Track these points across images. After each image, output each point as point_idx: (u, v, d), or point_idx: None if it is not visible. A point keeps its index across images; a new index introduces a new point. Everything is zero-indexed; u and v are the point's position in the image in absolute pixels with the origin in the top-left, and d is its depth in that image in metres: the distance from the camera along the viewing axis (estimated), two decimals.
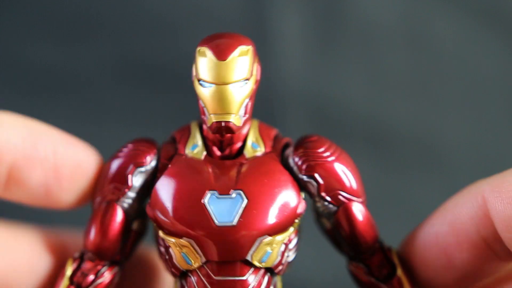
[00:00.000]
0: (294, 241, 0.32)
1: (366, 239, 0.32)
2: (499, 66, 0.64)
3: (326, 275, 0.58)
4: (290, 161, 0.32)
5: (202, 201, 0.30)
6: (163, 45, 0.63)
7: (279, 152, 0.33)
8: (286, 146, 0.33)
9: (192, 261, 0.31)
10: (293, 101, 0.61)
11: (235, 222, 0.30)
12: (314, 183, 0.32)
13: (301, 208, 0.31)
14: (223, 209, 0.30)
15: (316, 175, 0.32)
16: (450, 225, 0.31)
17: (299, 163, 0.32)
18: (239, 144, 0.32)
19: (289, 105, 0.61)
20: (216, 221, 0.30)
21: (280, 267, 0.32)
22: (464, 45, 0.64)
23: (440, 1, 0.63)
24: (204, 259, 0.30)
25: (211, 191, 0.30)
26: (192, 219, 0.30)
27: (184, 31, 0.61)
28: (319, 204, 0.32)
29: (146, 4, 0.63)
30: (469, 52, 0.64)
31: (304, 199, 0.32)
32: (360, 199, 0.32)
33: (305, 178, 0.32)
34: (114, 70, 0.63)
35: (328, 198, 0.32)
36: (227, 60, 0.29)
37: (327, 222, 0.33)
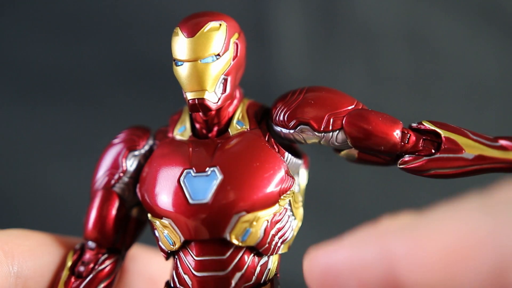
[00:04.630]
0: (286, 220, 0.31)
1: (387, 134, 0.29)
2: (498, 65, 0.64)
3: None
4: (277, 129, 0.31)
5: (178, 180, 0.30)
6: (162, 45, 0.63)
7: (265, 128, 0.32)
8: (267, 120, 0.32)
9: (173, 241, 0.30)
10: None
11: (208, 199, 0.29)
12: (305, 126, 0.30)
13: (286, 184, 0.30)
14: (198, 187, 0.30)
15: (299, 118, 0.30)
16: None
17: (281, 121, 0.31)
18: (225, 123, 0.32)
19: None
20: (190, 199, 0.29)
21: (265, 246, 0.30)
22: (463, 44, 0.64)
23: (439, 0, 0.63)
24: (183, 239, 0.30)
25: (188, 170, 0.30)
26: (168, 198, 0.30)
27: None
28: (331, 140, 0.30)
29: (146, 4, 0.63)
30: (468, 50, 0.64)
31: (291, 175, 0.31)
32: (351, 106, 0.30)
33: (297, 129, 0.31)
34: (113, 69, 0.63)
35: (330, 127, 0.30)
36: (195, 36, 0.29)
37: (353, 151, 0.31)
